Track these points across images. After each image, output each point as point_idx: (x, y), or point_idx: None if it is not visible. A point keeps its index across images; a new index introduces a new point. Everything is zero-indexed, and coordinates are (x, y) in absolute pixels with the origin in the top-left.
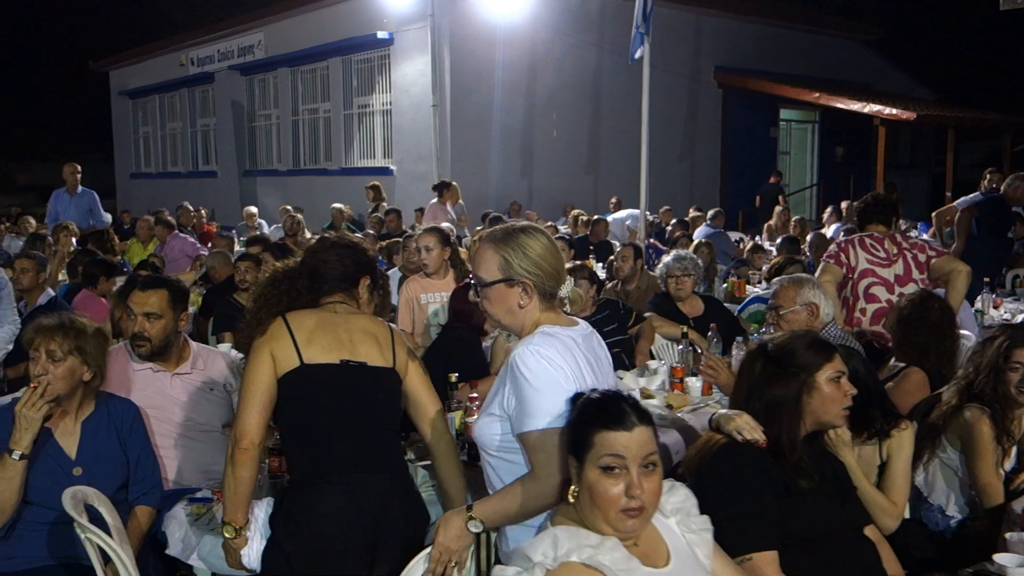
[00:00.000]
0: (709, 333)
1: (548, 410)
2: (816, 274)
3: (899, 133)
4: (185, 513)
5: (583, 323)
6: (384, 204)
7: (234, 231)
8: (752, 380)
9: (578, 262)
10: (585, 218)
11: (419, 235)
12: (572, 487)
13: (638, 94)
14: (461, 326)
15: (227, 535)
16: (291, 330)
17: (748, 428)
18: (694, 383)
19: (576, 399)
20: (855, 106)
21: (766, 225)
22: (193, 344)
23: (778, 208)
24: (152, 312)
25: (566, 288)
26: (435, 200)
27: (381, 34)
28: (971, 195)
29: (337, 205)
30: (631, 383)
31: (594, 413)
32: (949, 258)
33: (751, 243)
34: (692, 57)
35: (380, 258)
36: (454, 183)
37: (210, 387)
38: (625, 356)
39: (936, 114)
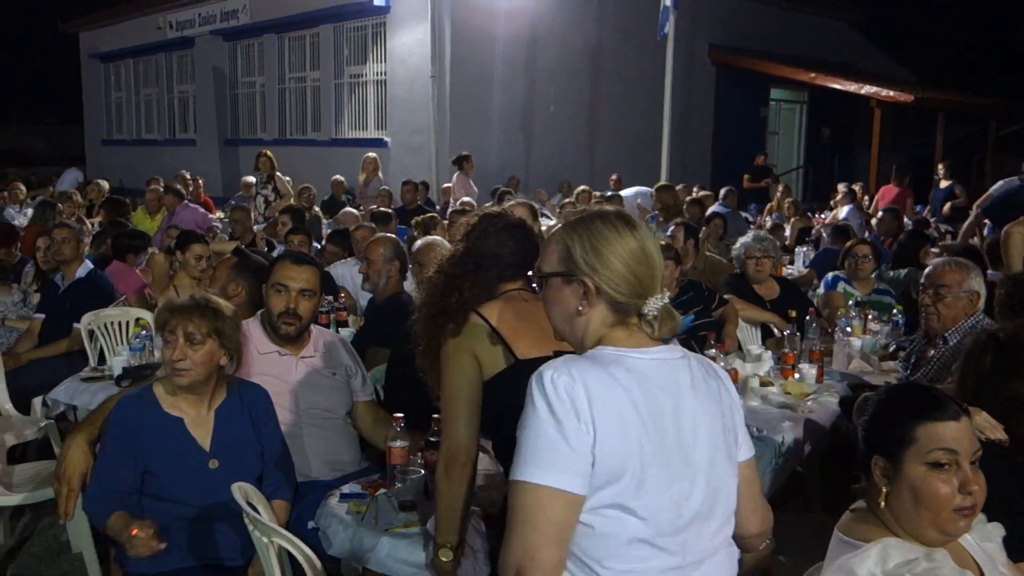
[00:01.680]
0: (808, 318)
1: (539, 460)
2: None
3: (883, 115)
4: (345, 511)
5: (670, 347)
6: (380, 176)
7: (232, 202)
8: (983, 373)
9: (661, 241)
10: (598, 195)
11: (511, 206)
12: (883, 490)
13: (638, 70)
14: None
15: (443, 558)
16: (492, 326)
17: (989, 427)
18: (808, 370)
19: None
20: (851, 87)
21: (768, 205)
22: (312, 326)
23: (781, 187)
24: (307, 288)
25: (656, 304)
26: (457, 173)
27: (377, 1)
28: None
29: (337, 177)
30: (739, 368)
31: (911, 403)
32: None
33: (770, 223)
34: (688, 35)
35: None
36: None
37: (332, 371)
38: (713, 340)
39: (930, 97)
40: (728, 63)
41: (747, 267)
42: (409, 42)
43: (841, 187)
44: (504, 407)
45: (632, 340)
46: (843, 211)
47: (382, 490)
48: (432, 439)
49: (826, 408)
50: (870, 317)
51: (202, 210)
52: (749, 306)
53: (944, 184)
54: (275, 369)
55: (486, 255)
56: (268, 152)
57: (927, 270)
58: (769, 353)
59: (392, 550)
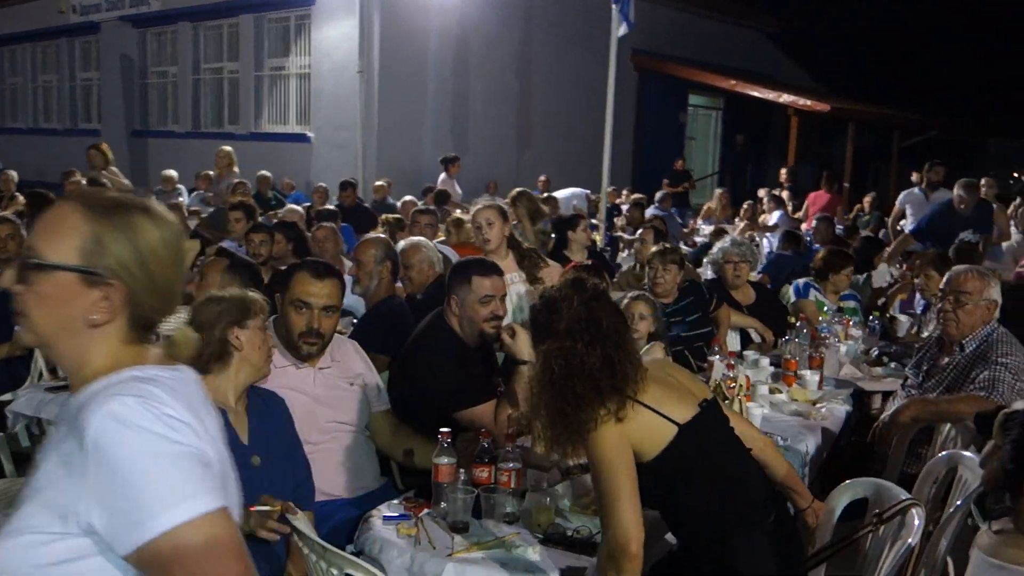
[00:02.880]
0: (799, 324)
1: (183, 491)
2: None
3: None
4: (395, 535)
5: (184, 368)
6: (236, 170)
7: (155, 197)
8: None
9: (666, 245)
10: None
11: (478, 209)
12: None
13: (568, 71)
14: None
15: None
16: (646, 404)
17: None
18: (810, 376)
19: None
20: (770, 95)
21: (705, 208)
22: None
23: (718, 191)
24: (331, 305)
25: (173, 324)
26: (443, 175)
27: None
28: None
29: (263, 173)
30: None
31: None
32: None
33: (713, 227)
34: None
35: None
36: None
37: (349, 381)
38: (706, 348)
39: (844, 107)
40: (650, 68)
41: (725, 272)
42: (335, 36)
43: (761, 192)
44: (680, 471)
45: (156, 360)
46: (773, 217)
47: (426, 510)
48: (483, 457)
49: (836, 415)
50: (851, 324)
51: None
52: (734, 312)
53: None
54: (292, 382)
55: (610, 323)
56: (102, 145)
57: (947, 276)
58: (767, 359)
59: (460, 572)
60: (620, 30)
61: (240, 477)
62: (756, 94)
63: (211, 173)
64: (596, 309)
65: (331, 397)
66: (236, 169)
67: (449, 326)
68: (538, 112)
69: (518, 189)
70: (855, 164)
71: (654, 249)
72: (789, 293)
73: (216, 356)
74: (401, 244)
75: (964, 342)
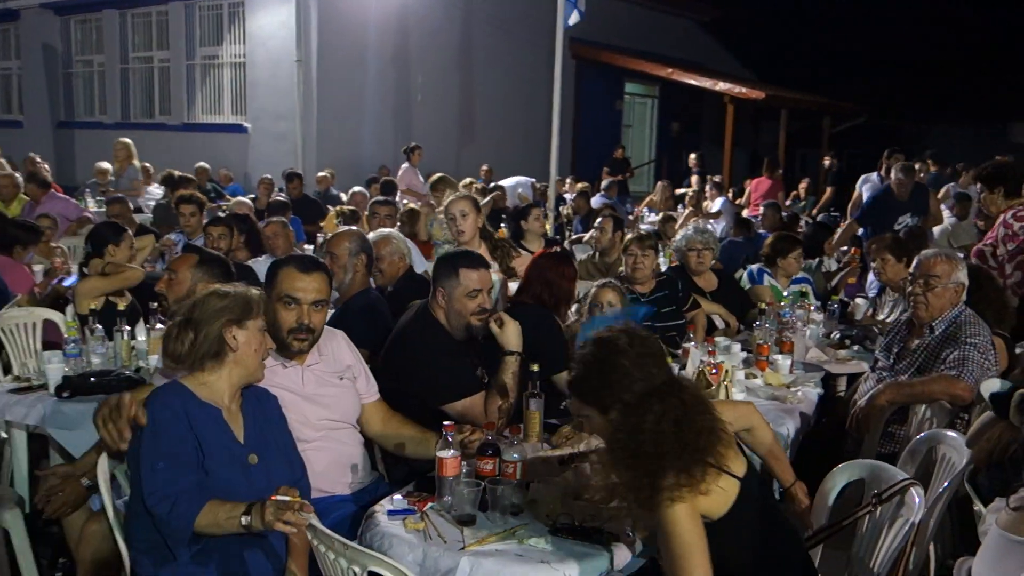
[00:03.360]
0: (767, 308)
1: None
2: None
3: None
4: (403, 530)
5: None
6: (135, 163)
7: (87, 191)
8: None
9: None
10: (479, 186)
11: (452, 200)
12: None
13: (507, 63)
14: (533, 303)
15: None
16: (716, 464)
17: None
18: (782, 360)
19: None
20: (707, 83)
21: (648, 199)
22: None
23: (661, 183)
24: (320, 299)
25: None
26: (405, 165)
27: None
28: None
29: (201, 164)
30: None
31: None
32: None
33: (660, 215)
34: (550, 28)
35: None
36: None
37: (339, 375)
38: (678, 337)
39: (778, 94)
40: (587, 57)
41: (688, 259)
42: (271, 24)
43: (694, 180)
44: (739, 527)
45: None
46: (716, 204)
47: (430, 504)
48: (488, 450)
49: (810, 398)
50: (812, 308)
51: (73, 200)
52: (708, 303)
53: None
54: (282, 382)
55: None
56: (127, 140)
57: (917, 260)
58: (738, 345)
59: (475, 569)
60: (571, 19)
61: (238, 476)
62: (693, 82)
63: (106, 165)
64: (663, 366)
65: (321, 395)
66: (136, 162)
67: (435, 319)
68: (480, 103)
69: (438, 174)
70: (786, 150)
71: (631, 235)
72: (743, 279)
73: (211, 354)
74: (371, 236)
75: (934, 324)
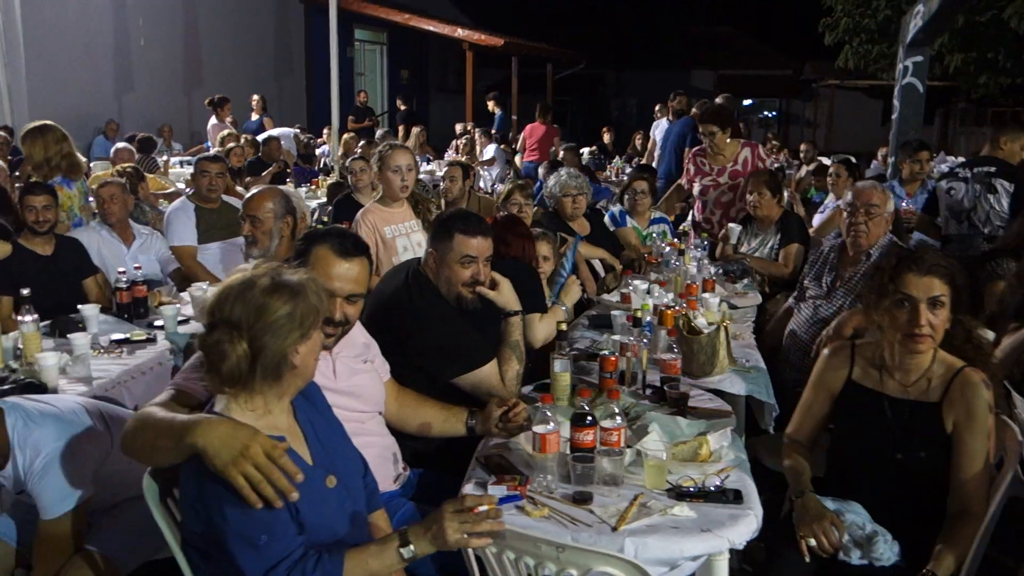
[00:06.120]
0: (667, 249)
1: None
2: None
3: (449, 58)
4: (532, 520)
5: None
6: None
7: None
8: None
9: (520, 182)
10: (248, 137)
11: (395, 152)
12: None
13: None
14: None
15: None
16: None
17: None
18: (711, 299)
19: None
20: (445, 30)
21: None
22: None
23: (415, 129)
24: (357, 293)
25: None
26: (213, 120)
27: None
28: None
29: None
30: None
31: None
32: None
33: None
34: None
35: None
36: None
37: (363, 359)
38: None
39: (514, 42)
40: (315, 1)
41: (563, 205)
42: None
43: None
44: None
45: None
46: (488, 151)
47: (529, 485)
48: (586, 419)
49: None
50: (691, 245)
51: None
52: (589, 247)
53: None
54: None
55: None
56: None
57: (854, 192)
58: (661, 288)
59: (641, 549)
60: None
61: (332, 509)
62: (432, 28)
63: None
64: None
65: (353, 385)
66: None
67: (430, 282)
68: (206, 47)
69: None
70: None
71: (511, 185)
72: (607, 221)
73: (270, 375)
74: (251, 192)
75: (871, 251)
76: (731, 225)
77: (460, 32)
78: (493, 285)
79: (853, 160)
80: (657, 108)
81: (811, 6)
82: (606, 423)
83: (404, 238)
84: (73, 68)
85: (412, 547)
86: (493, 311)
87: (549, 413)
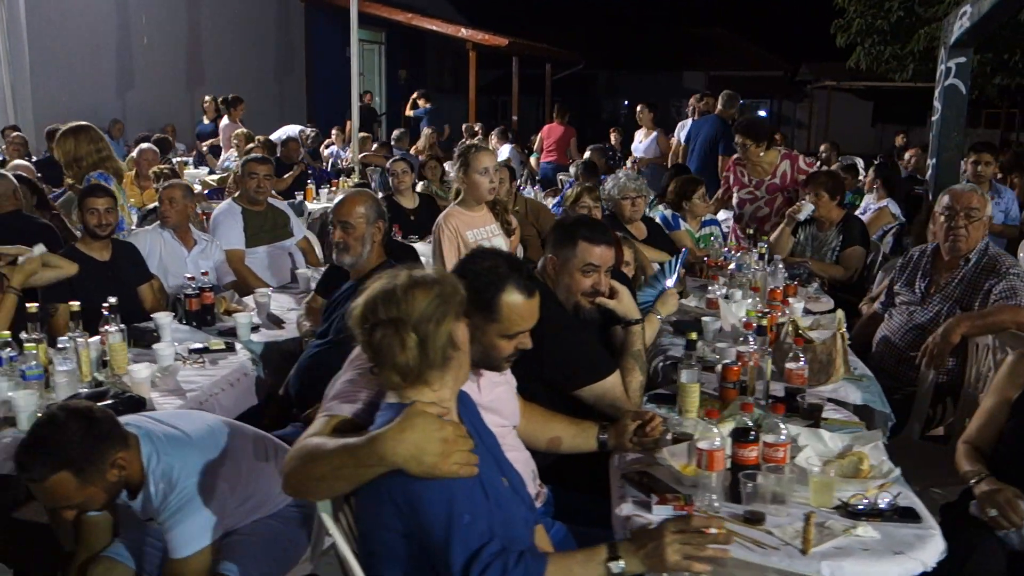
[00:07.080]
0: (737, 254)
1: None
2: None
3: (445, 58)
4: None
5: None
6: None
7: None
8: None
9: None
10: (262, 138)
11: (479, 154)
12: None
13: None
14: None
15: None
16: None
17: None
18: (795, 303)
19: None
20: (449, 29)
21: (413, 148)
22: None
23: (426, 131)
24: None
25: None
26: (225, 120)
27: None
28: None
29: None
30: (734, 313)
31: None
32: None
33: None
34: None
35: None
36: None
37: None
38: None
39: (516, 42)
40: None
41: (622, 208)
42: None
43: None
44: None
45: None
46: (503, 152)
47: (696, 504)
48: (749, 435)
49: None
50: (746, 248)
51: None
52: (644, 246)
53: None
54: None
55: None
56: None
57: (952, 195)
58: (739, 293)
59: (836, 573)
60: None
61: (515, 511)
62: (435, 28)
63: None
64: None
65: (494, 399)
66: None
67: (549, 289)
68: (208, 47)
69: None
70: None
71: (579, 188)
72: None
73: (439, 361)
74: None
75: (970, 255)
76: (805, 201)
77: (464, 32)
78: (612, 294)
79: (860, 162)
80: (639, 109)
81: (812, 8)
82: (769, 438)
83: (486, 243)
84: (77, 67)
85: (622, 562)
86: (605, 320)
87: (715, 429)
